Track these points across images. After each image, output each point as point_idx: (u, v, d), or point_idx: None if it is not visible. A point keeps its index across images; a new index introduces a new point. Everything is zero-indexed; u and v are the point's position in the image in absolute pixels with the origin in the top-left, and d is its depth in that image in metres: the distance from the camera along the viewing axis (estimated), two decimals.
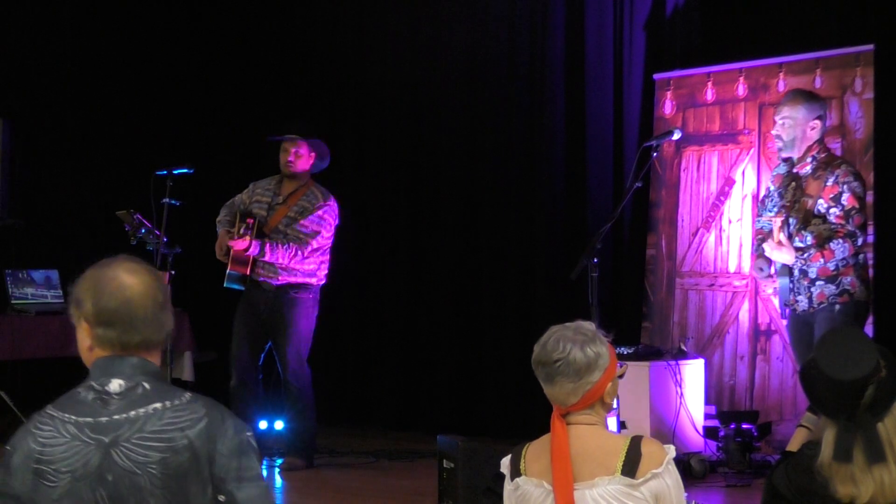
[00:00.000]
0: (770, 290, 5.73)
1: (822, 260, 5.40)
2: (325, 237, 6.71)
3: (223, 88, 9.42)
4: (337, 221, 6.78)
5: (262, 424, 7.78)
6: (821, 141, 5.60)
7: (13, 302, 7.75)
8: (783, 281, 5.57)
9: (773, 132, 5.69)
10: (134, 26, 9.55)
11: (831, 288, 5.46)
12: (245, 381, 6.73)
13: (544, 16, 7.81)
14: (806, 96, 5.66)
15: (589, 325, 3.11)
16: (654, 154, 6.51)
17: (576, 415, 3.05)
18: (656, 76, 7.37)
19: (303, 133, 6.76)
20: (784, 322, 5.85)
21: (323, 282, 6.82)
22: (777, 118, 5.63)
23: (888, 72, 6.49)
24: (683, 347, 6.75)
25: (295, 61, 9.11)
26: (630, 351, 6.56)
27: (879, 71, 6.47)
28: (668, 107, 7.29)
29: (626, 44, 7.50)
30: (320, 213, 6.67)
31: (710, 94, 7.12)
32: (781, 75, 6.79)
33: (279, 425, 7.97)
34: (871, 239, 6.39)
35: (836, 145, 6.53)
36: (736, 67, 6.98)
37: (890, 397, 3.46)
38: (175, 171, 6.69)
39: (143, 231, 6.67)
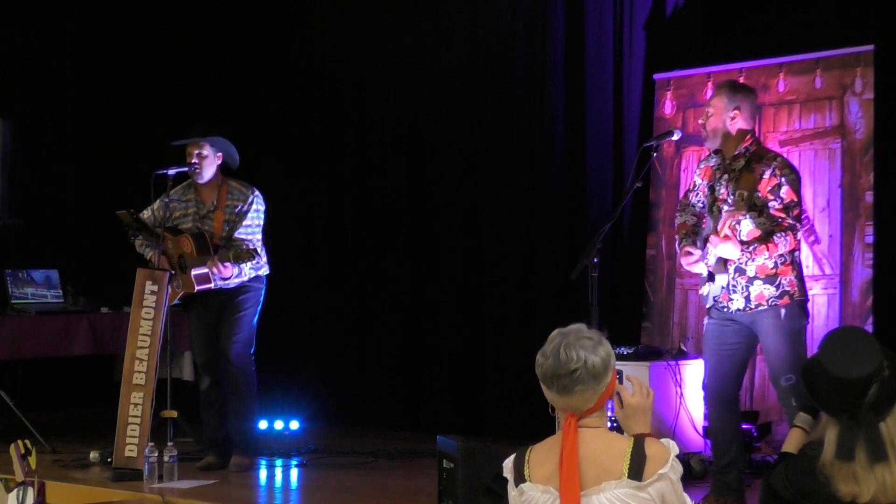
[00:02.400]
0: (706, 290, 5.53)
1: (766, 253, 5.23)
2: (262, 229, 6.70)
3: (222, 88, 9.43)
4: (265, 206, 6.73)
5: (263, 424, 7.77)
6: (753, 133, 5.44)
7: (13, 302, 7.75)
8: (721, 278, 5.37)
9: (700, 121, 5.57)
10: (134, 26, 9.56)
11: (771, 289, 5.30)
12: (217, 381, 6.70)
13: (544, 16, 7.81)
14: (728, 87, 5.53)
15: (584, 327, 3.11)
16: (654, 154, 6.50)
17: (587, 418, 3.05)
18: (656, 76, 7.37)
19: (204, 134, 6.64)
20: (706, 320, 5.62)
21: (269, 272, 6.79)
22: (707, 108, 5.52)
23: (888, 72, 6.48)
24: (683, 347, 6.75)
25: (294, 61, 9.12)
26: (630, 351, 6.56)
27: (880, 71, 6.46)
28: (668, 107, 7.29)
29: (626, 44, 7.49)
30: (255, 206, 6.65)
31: (710, 95, 7.09)
32: (781, 75, 6.79)
33: (279, 425, 7.98)
34: (870, 239, 6.39)
35: (836, 145, 6.54)
36: (736, 67, 6.97)
37: (892, 397, 3.46)
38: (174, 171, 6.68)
39: (142, 231, 6.66)
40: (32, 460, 4.87)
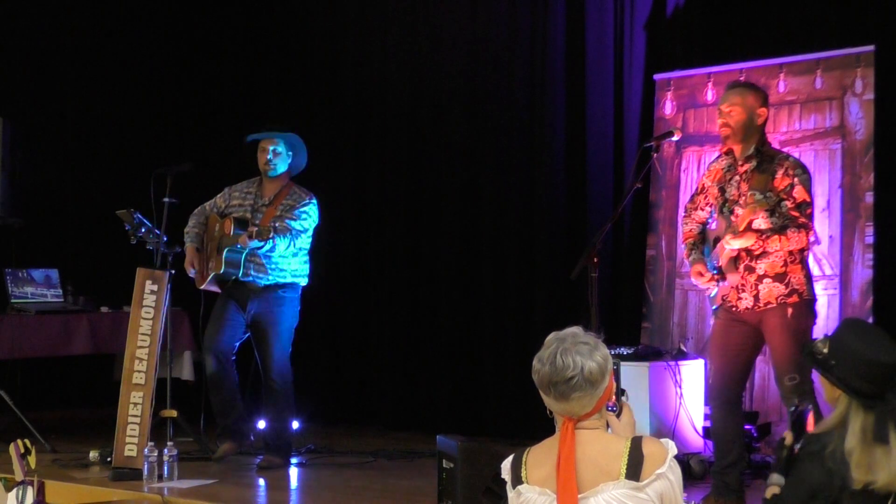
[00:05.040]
0: (714, 291, 5.55)
1: (778, 244, 5.25)
2: (310, 234, 6.72)
3: (223, 87, 9.44)
4: (317, 221, 6.77)
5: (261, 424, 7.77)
6: (763, 134, 5.46)
7: (13, 301, 7.75)
8: (733, 278, 5.39)
9: (721, 120, 5.45)
10: (134, 26, 9.57)
11: (780, 287, 5.31)
12: (223, 365, 6.70)
13: (544, 16, 7.81)
14: (752, 86, 5.55)
15: (580, 330, 3.10)
16: (654, 155, 6.50)
17: (585, 421, 3.05)
18: (656, 76, 7.37)
19: (280, 130, 6.72)
20: (713, 321, 5.66)
21: (307, 283, 6.81)
22: (723, 107, 5.44)
23: (889, 73, 6.48)
24: (683, 348, 6.75)
25: (295, 61, 9.12)
26: (630, 351, 6.55)
27: (880, 72, 6.46)
28: (668, 107, 7.29)
29: (626, 44, 7.49)
30: (305, 209, 6.67)
31: (710, 95, 7.11)
32: (782, 76, 6.79)
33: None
34: (870, 240, 6.39)
35: (836, 146, 6.54)
36: (736, 68, 6.97)
37: None
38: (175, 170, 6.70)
39: (142, 230, 6.67)
40: (32, 459, 4.87)
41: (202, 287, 6.76)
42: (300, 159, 6.82)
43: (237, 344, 6.77)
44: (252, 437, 7.04)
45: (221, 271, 6.58)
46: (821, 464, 3.50)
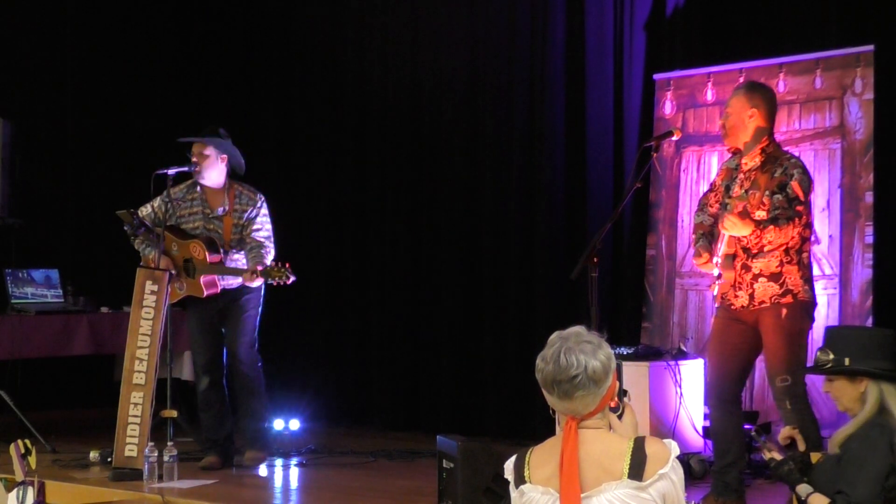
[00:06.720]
0: (715, 289, 5.55)
1: (772, 234, 5.23)
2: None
3: (222, 88, 9.44)
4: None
5: (278, 424, 7.80)
6: (770, 134, 5.47)
7: (13, 302, 7.75)
8: (728, 274, 5.38)
9: (720, 122, 5.62)
10: (134, 26, 9.58)
11: (774, 287, 5.30)
12: (216, 382, 6.75)
13: (544, 16, 7.81)
14: (746, 87, 5.58)
15: (583, 329, 3.09)
16: (654, 154, 6.50)
17: (588, 420, 3.04)
18: (656, 76, 7.37)
19: (210, 135, 6.73)
20: (713, 318, 5.67)
21: None
22: (725, 109, 5.57)
23: (888, 72, 6.49)
24: (683, 347, 6.75)
25: (295, 62, 9.12)
26: (630, 351, 6.55)
27: (880, 71, 6.46)
28: (668, 107, 7.29)
29: (626, 44, 7.50)
30: (261, 211, 6.73)
31: (710, 95, 7.12)
32: (781, 76, 6.79)
33: (279, 425, 7.97)
34: (870, 240, 6.40)
35: (836, 146, 6.54)
36: (736, 68, 6.98)
37: None
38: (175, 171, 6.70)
39: (142, 230, 6.67)
40: (32, 460, 4.87)
41: (174, 301, 6.76)
42: (236, 159, 6.82)
43: (224, 358, 6.80)
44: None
45: (204, 296, 6.62)
46: (887, 451, 3.60)
